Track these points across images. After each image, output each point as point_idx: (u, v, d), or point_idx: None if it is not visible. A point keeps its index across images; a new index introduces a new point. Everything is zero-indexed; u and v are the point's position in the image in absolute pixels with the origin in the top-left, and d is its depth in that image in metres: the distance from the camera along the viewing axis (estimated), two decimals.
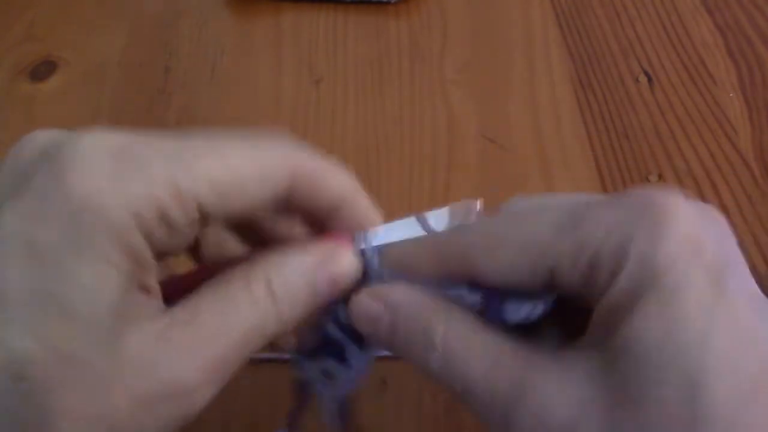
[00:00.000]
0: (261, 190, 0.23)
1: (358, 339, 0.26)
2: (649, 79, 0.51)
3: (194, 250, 0.28)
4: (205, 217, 0.22)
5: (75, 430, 0.20)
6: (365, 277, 0.25)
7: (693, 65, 0.52)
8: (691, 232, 0.20)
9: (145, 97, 0.52)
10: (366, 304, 0.25)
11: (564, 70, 0.52)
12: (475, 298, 0.23)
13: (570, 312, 0.23)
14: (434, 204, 0.44)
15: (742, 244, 0.42)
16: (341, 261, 0.25)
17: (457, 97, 0.51)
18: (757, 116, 0.49)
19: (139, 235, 0.21)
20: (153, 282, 0.23)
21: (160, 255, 0.23)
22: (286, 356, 0.38)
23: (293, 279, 0.24)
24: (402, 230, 0.26)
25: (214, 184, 0.22)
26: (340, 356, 0.27)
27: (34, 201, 0.20)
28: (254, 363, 0.38)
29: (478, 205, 0.26)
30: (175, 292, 0.24)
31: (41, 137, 0.22)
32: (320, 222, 0.26)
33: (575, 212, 0.22)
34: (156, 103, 0.51)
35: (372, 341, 0.26)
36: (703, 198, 0.44)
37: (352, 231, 0.26)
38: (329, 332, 0.26)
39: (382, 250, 0.26)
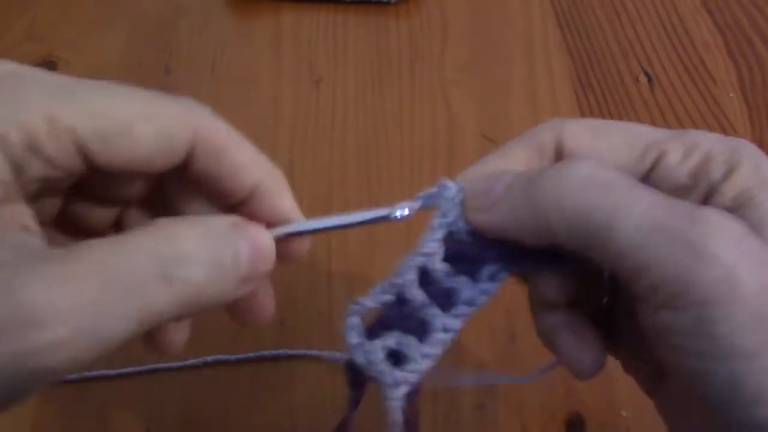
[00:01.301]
0: (152, 139, 0.21)
1: (444, 301, 0.23)
2: (649, 79, 0.51)
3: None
4: (89, 159, 0.21)
5: None
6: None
7: (693, 65, 0.52)
8: None
9: None
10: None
11: (564, 70, 0.52)
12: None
13: None
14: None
15: None
16: (259, 231, 0.23)
17: (457, 97, 0.51)
18: (757, 116, 0.49)
19: (2, 158, 0.19)
20: (30, 221, 0.21)
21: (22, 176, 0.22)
22: (293, 352, 0.38)
23: (210, 235, 0.21)
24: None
25: (96, 121, 0.21)
26: (419, 328, 0.23)
27: None
28: (255, 360, 0.38)
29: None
30: None
31: None
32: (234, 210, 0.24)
33: (676, 130, 0.24)
34: None
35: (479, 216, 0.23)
36: None
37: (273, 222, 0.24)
38: (409, 296, 0.23)
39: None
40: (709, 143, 0.23)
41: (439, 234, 0.23)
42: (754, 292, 0.19)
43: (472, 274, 0.23)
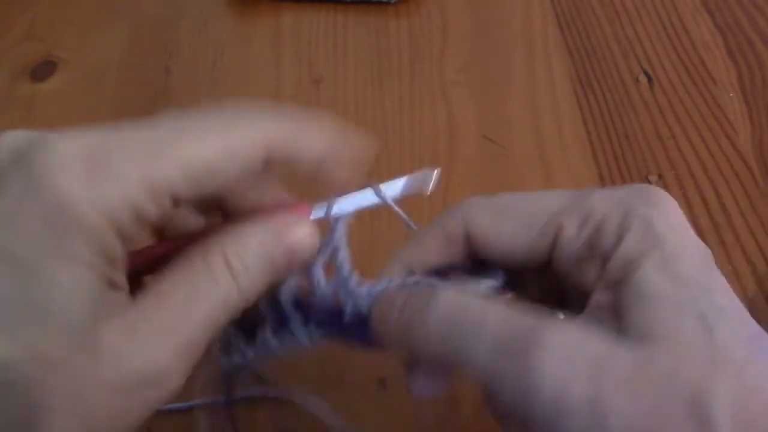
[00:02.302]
0: (233, 169, 0.23)
1: (304, 317, 0.27)
2: (649, 79, 0.51)
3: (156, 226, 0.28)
4: (177, 203, 0.22)
5: (60, 428, 0.20)
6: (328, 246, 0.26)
7: (693, 65, 0.52)
8: (680, 213, 0.24)
9: (145, 97, 0.52)
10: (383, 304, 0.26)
11: (564, 70, 0.52)
12: (445, 283, 0.26)
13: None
14: (433, 204, 0.44)
15: (741, 244, 0.42)
16: (298, 232, 0.25)
17: (457, 97, 0.51)
18: (757, 116, 0.49)
19: (113, 235, 0.21)
20: (120, 276, 0.23)
21: (129, 244, 0.23)
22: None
23: (250, 252, 0.24)
24: (359, 200, 0.27)
25: (187, 172, 0.22)
26: (276, 326, 0.27)
27: (10, 206, 0.20)
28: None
29: (435, 173, 0.27)
30: (137, 265, 0.24)
31: (11, 139, 0.22)
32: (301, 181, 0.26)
33: (580, 192, 0.25)
34: (156, 103, 0.51)
35: (381, 330, 0.26)
36: (703, 198, 0.44)
37: (312, 201, 0.27)
38: (282, 301, 0.27)
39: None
40: (604, 209, 0.24)
41: (293, 282, 0.27)
42: (582, 408, 0.20)
43: (305, 320, 0.27)
